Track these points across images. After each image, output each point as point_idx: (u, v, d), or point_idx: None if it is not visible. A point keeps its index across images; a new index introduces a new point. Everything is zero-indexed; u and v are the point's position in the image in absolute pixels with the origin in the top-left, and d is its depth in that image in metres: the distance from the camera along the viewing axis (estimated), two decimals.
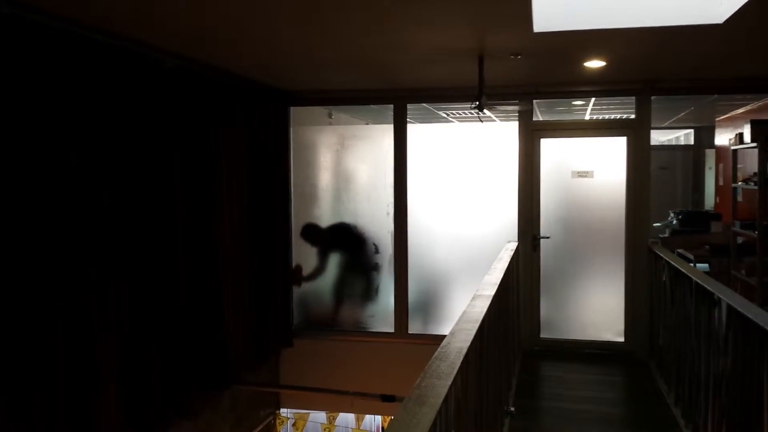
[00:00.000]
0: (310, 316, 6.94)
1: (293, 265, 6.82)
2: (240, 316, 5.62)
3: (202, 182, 5.07)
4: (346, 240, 6.91)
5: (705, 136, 10.78)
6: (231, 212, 5.47)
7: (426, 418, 1.65)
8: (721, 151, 9.48)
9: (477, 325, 2.73)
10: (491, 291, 3.55)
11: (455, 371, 2.06)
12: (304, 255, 6.90)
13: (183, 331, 4.76)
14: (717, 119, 9.55)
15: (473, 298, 3.37)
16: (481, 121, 5.30)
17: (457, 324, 2.77)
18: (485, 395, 3.27)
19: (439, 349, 2.33)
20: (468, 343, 2.39)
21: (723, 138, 9.31)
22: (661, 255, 5.46)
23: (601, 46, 4.49)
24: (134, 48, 4.26)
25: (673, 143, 12.83)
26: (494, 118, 7.72)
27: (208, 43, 4.38)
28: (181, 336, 4.73)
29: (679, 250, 7.94)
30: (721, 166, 9.46)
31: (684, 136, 12.34)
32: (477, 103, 4.63)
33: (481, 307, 3.14)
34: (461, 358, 2.22)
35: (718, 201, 9.76)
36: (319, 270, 6.98)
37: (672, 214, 9.07)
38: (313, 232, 6.91)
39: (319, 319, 6.92)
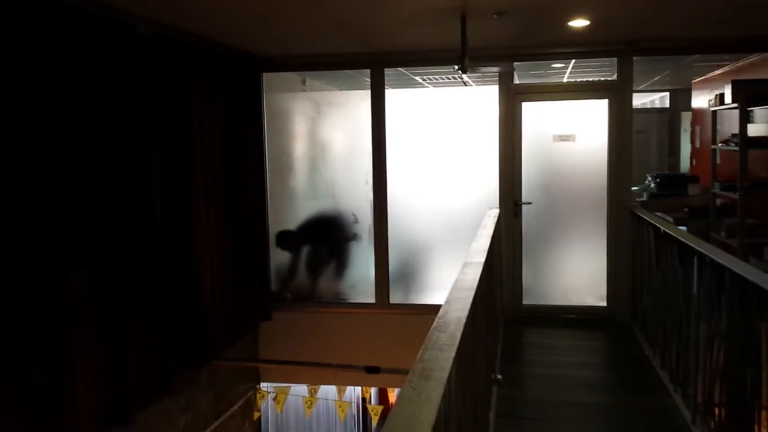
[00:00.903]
0: (289, 288, 6.79)
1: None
2: (218, 290, 5.45)
3: (176, 151, 4.86)
4: (322, 227, 6.77)
5: (681, 98, 10.78)
6: (206, 182, 5.27)
7: (434, 393, 1.53)
8: (697, 113, 9.46)
9: (472, 294, 2.62)
10: (481, 258, 3.44)
11: (457, 342, 1.95)
12: (281, 226, 6.73)
13: (160, 307, 4.59)
14: (693, 81, 9.52)
15: (464, 266, 3.26)
16: (465, 84, 5.15)
17: (451, 292, 2.65)
18: (478, 364, 3.18)
19: (437, 320, 2.21)
20: (466, 313, 2.27)
21: (700, 100, 9.28)
22: (645, 217, 5.41)
23: (587, 3, 4.34)
24: (106, 13, 4.02)
25: (648, 107, 12.82)
26: (471, 82, 7.57)
27: (178, 3, 4.15)
28: (157, 312, 4.56)
29: (658, 214, 7.92)
30: (697, 128, 9.46)
31: (659, 99, 12.33)
32: (460, 65, 4.47)
33: (474, 274, 3.03)
34: (461, 329, 2.11)
35: (694, 163, 9.78)
36: (296, 268, 6.86)
37: (649, 178, 9.06)
38: (287, 239, 6.75)
39: (298, 292, 6.78)
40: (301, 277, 6.84)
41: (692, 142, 9.88)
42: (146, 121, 4.43)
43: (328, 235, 6.82)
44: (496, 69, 4.76)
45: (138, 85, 4.34)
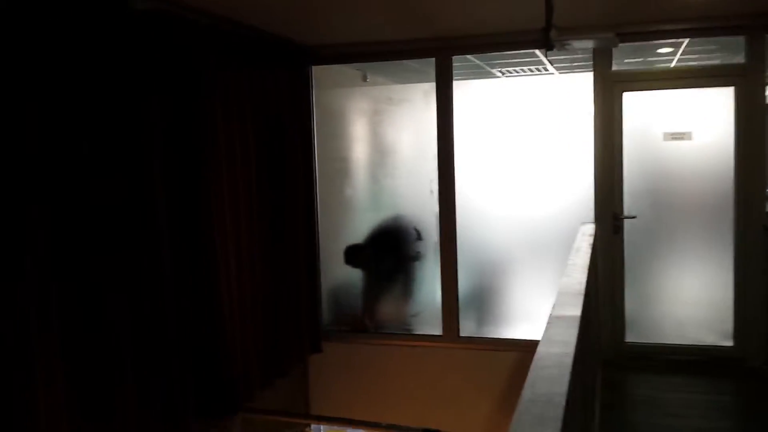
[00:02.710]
0: (343, 315, 5.85)
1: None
2: (249, 320, 4.56)
3: (192, 159, 4.00)
4: (382, 245, 5.77)
5: None
6: (234, 192, 4.40)
7: None
8: None
9: (565, 389, 1.57)
10: (576, 310, 2.37)
11: None
12: (335, 243, 5.78)
13: (166, 344, 3.72)
14: None
15: (550, 323, 2.20)
16: (551, 65, 4.04)
17: (528, 386, 1.61)
18: None
19: None
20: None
21: None
22: None
23: None
24: None
25: None
26: (549, 67, 6.39)
27: None
28: (164, 351, 3.70)
29: None
30: None
31: None
32: (543, 39, 3.37)
33: (565, 342, 1.97)
34: None
35: None
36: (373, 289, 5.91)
37: None
38: (356, 254, 5.77)
39: (354, 320, 5.82)
40: (357, 302, 5.87)
41: None
42: (147, 121, 3.57)
43: (388, 255, 5.83)
44: (590, 44, 3.62)
45: (136, 77, 3.48)
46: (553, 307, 2.42)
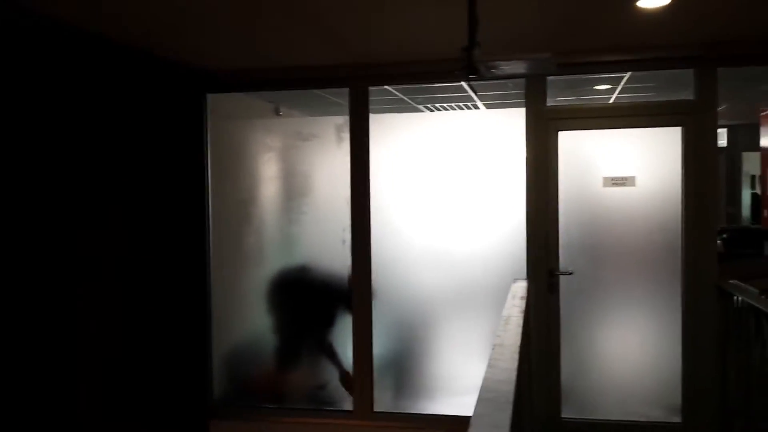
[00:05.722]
0: (239, 386, 4.98)
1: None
2: (108, 392, 3.69)
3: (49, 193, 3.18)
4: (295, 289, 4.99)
5: (742, 136, 9.00)
6: (99, 241, 3.57)
7: None
8: None
9: None
10: (504, 413, 1.65)
11: None
12: (227, 298, 4.95)
13: None
14: (763, 114, 7.73)
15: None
16: (475, 92, 3.40)
17: None
18: None
19: None
20: None
21: None
22: (748, 300, 3.63)
23: None
24: None
25: None
26: (479, 104, 5.82)
27: None
28: None
29: (733, 281, 6.07)
30: None
31: None
32: (465, 62, 2.71)
33: None
34: None
35: (767, 215, 7.92)
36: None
37: None
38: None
39: (249, 391, 4.96)
40: (253, 370, 5.01)
41: (763, 188, 8.04)
42: None
43: (290, 304, 5.02)
44: (522, 67, 2.97)
45: None
46: (473, 419, 1.69)
